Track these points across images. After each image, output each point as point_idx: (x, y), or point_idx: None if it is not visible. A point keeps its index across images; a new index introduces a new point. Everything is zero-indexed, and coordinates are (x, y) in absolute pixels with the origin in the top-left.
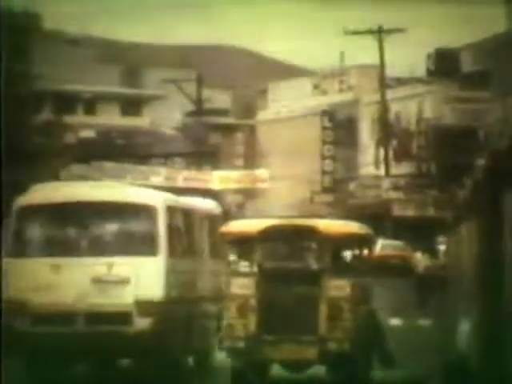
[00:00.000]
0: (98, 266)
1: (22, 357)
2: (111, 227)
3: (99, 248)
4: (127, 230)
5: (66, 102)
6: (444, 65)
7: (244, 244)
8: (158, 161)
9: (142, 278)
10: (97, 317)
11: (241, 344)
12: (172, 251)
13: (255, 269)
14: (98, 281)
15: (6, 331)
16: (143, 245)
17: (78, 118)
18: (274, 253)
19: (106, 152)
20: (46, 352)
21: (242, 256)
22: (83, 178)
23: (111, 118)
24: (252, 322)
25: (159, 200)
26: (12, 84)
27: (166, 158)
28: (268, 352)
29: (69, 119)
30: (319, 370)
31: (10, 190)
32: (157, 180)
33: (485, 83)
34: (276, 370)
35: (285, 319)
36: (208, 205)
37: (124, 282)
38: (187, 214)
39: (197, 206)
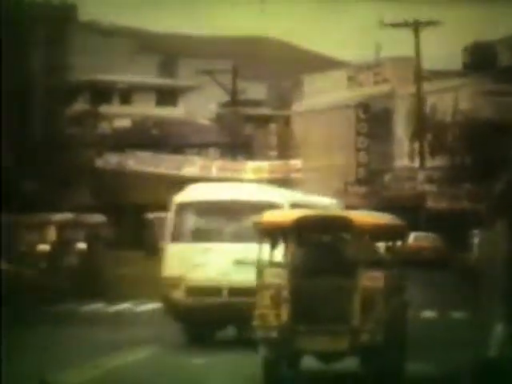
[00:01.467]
0: (238, 250)
1: (178, 321)
2: (247, 220)
3: (238, 236)
4: None
5: (102, 92)
6: (480, 58)
7: (278, 234)
8: (193, 151)
9: None
10: (237, 291)
11: (274, 334)
12: None
13: (288, 259)
14: (237, 262)
15: (165, 301)
16: None
17: (113, 107)
18: (307, 243)
19: (141, 142)
20: (197, 318)
21: (276, 246)
22: (120, 166)
23: (147, 108)
24: (285, 312)
25: (285, 198)
26: (48, 75)
27: (200, 148)
28: (300, 343)
29: (104, 109)
30: (351, 361)
31: (47, 180)
32: (191, 170)
33: None
34: (307, 360)
35: (318, 310)
36: (327, 202)
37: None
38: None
39: (317, 203)
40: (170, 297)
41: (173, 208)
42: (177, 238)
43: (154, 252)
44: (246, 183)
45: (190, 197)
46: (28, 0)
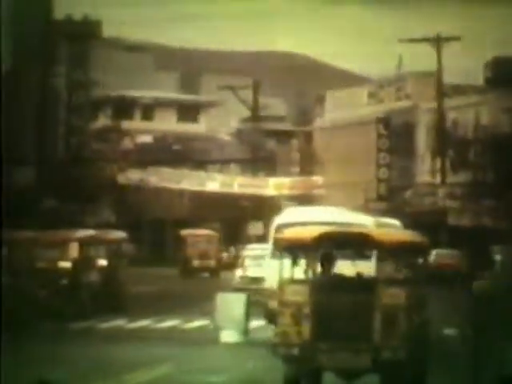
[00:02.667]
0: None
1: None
2: None
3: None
4: None
5: (124, 108)
6: (502, 73)
7: (298, 251)
8: (214, 167)
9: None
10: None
11: (295, 351)
12: None
13: (309, 275)
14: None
15: (264, 309)
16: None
17: (135, 123)
18: (328, 259)
19: (163, 157)
20: None
21: (297, 262)
22: (142, 182)
23: (168, 123)
24: (306, 329)
25: (368, 219)
26: (72, 91)
27: (222, 164)
28: (322, 360)
29: (126, 124)
30: (373, 378)
31: (69, 197)
32: (213, 185)
33: None
34: (328, 377)
35: (339, 327)
36: (392, 222)
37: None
38: None
39: (386, 223)
40: (269, 306)
41: (273, 227)
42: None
43: (186, 269)
44: (330, 207)
45: (289, 218)
46: (52, 17)
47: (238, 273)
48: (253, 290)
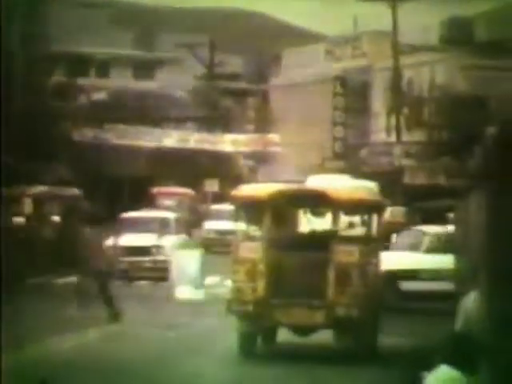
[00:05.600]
0: None
1: None
2: None
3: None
4: None
5: (79, 65)
6: (457, 33)
7: (254, 208)
8: (170, 124)
9: None
10: None
11: (250, 308)
12: None
13: (264, 233)
14: None
15: None
16: None
17: (90, 80)
18: (283, 217)
19: (119, 114)
20: None
21: (252, 220)
22: (98, 139)
23: (124, 80)
24: (261, 286)
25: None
26: (26, 46)
27: (178, 121)
28: (276, 316)
29: (82, 81)
30: (327, 334)
31: (23, 151)
32: (169, 142)
33: (498, 52)
34: (282, 333)
35: (293, 284)
36: (371, 185)
37: None
38: None
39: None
40: None
41: None
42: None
43: None
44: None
45: None
46: None
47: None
48: (217, 240)
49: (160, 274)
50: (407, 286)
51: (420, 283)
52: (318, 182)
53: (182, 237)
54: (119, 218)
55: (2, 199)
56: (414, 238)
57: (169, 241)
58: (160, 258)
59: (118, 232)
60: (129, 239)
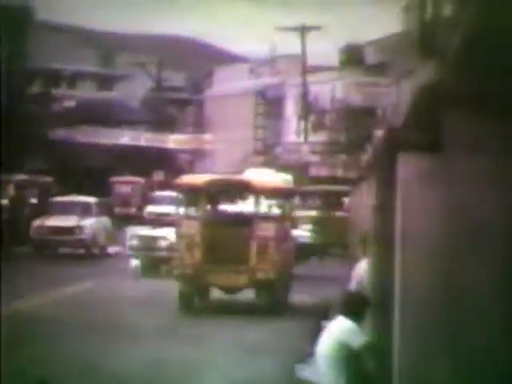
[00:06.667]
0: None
1: None
2: None
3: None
4: None
5: (53, 78)
6: (352, 57)
7: (192, 193)
8: (126, 126)
9: None
10: None
11: (188, 271)
12: None
13: (200, 213)
14: None
15: None
16: None
17: (62, 90)
18: (215, 200)
19: (85, 118)
20: None
21: (191, 203)
22: (68, 138)
23: (89, 91)
24: (198, 254)
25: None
26: (10, 62)
27: (133, 124)
28: (210, 278)
29: (55, 92)
30: (250, 292)
31: (7, 148)
32: (124, 140)
33: (383, 72)
34: (215, 293)
35: (223, 253)
36: (287, 177)
37: None
38: None
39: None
40: None
41: None
42: None
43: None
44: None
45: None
46: None
47: (148, 209)
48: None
49: (81, 250)
50: None
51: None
52: (251, 174)
53: (104, 218)
54: (49, 202)
55: None
56: None
57: (89, 222)
58: (81, 236)
59: (47, 214)
60: (54, 220)
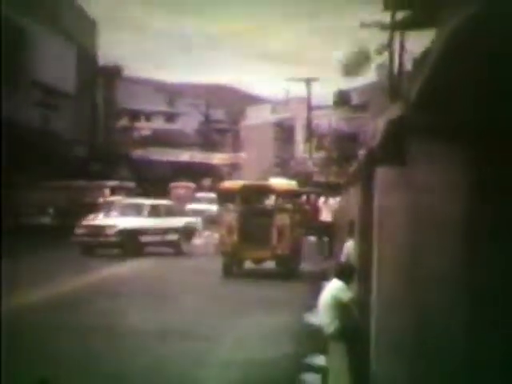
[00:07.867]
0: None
1: None
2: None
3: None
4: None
5: (135, 115)
6: (342, 99)
7: (231, 194)
8: (185, 147)
9: None
10: None
11: (228, 248)
12: None
13: (236, 208)
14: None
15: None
16: None
17: (141, 124)
18: (246, 199)
19: (156, 142)
20: None
21: (230, 201)
22: (145, 156)
23: (159, 124)
24: (235, 236)
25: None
26: (106, 105)
27: (189, 146)
28: (244, 254)
29: (136, 124)
30: (271, 263)
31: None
32: (183, 157)
33: (364, 110)
34: (247, 264)
35: (252, 236)
36: (293, 183)
37: None
38: None
39: (292, 183)
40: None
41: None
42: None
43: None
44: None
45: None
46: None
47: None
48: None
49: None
50: None
51: None
52: (273, 181)
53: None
54: (103, 202)
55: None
56: None
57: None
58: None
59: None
60: (98, 220)
